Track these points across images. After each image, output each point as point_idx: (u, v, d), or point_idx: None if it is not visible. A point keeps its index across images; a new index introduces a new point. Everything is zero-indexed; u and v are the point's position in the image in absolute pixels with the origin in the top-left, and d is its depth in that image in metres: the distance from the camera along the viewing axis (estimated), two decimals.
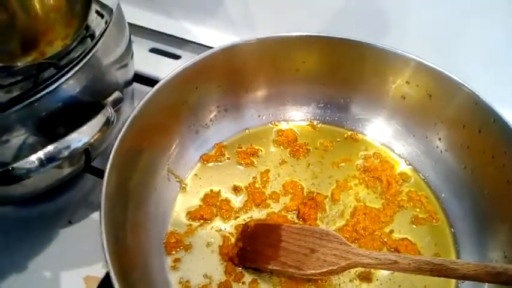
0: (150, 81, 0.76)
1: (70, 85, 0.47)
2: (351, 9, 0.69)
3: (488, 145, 0.53)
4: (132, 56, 0.63)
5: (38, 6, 0.43)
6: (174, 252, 0.53)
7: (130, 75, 0.63)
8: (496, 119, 0.51)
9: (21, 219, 0.59)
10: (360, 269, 0.51)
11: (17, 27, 0.38)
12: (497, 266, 0.39)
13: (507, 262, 0.48)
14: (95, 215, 0.59)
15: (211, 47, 0.74)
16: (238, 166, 0.62)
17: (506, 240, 0.50)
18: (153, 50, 0.82)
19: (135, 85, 0.65)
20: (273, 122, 0.66)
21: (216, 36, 0.78)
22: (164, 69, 0.77)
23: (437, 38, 0.65)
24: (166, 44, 0.81)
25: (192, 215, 0.56)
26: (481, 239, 0.53)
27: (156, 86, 0.52)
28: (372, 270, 0.52)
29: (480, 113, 0.53)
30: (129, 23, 0.58)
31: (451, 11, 0.63)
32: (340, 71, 0.62)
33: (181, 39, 0.80)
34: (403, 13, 0.66)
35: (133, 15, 0.68)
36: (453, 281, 0.51)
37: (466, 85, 0.54)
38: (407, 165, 0.62)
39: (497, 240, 0.51)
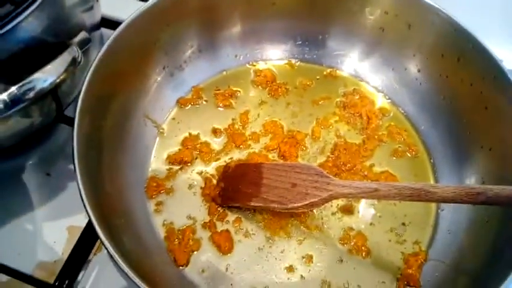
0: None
1: (31, 24, 0.44)
2: None
3: (467, 73, 0.53)
4: None
5: None
6: (156, 196, 0.52)
7: (97, 17, 0.60)
8: (475, 45, 0.50)
9: None
10: (341, 202, 0.52)
11: None
12: (476, 187, 0.40)
13: None
14: (72, 166, 0.58)
15: None
16: (217, 108, 0.60)
17: (484, 166, 0.51)
18: None
19: (105, 31, 0.62)
20: (250, 62, 0.64)
21: None
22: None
23: None
24: None
25: (171, 159, 0.55)
26: (459, 167, 0.54)
27: (123, 25, 0.50)
28: (353, 202, 0.52)
29: (459, 39, 0.52)
30: None
31: None
32: (318, 3, 0.59)
33: None
34: None
35: None
36: (433, 209, 0.53)
37: (445, 11, 0.52)
38: (387, 99, 0.61)
39: (475, 167, 0.52)
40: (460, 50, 0.52)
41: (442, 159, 0.55)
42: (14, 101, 0.39)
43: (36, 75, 0.40)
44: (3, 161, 0.58)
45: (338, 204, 0.52)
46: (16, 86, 0.39)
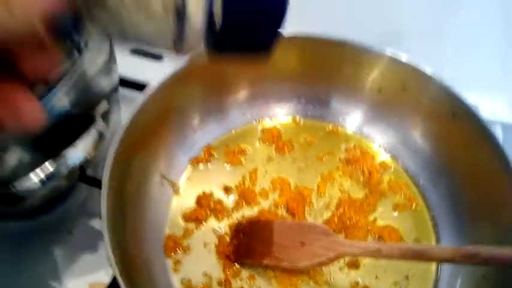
0: (133, 84, 0.76)
1: (59, 100, 0.48)
2: (332, 10, 0.71)
3: (461, 135, 0.57)
4: (115, 60, 0.64)
5: None
6: (173, 254, 0.55)
7: (115, 80, 0.63)
8: (466, 109, 0.55)
9: (23, 233, 0.60)
10: (348, 258, 0.55)
11: None
12: (471, 248, 0.43)
13: (482, 243, 0.52)
14: (94, 223, 0.61)
15: None
16: (227, 166, 0.64)
17: (480, 223, 0.54)
18: (135, 51, 0.82)
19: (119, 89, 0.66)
20: (257, 120, 0.68)
21: None
22: (147, 71, 0.78)
23: (411, 33, 0.68)
24: None
25: (187, 217, 0.58)
26: (458, 222, 0.57)
27: (145, 95, 0.54)
28: (359, 257, 0.55)
29: (452, 103, 0.56)
30: None
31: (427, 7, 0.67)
32: (319, 67, 0.64)
33: None
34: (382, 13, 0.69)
35: None
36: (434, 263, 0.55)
37: (438, 77, 0.57)
38: (387, 154, 0.65)
39: (472, 223, 0.55)
40: (452, 112, 0.57)
41: (442, 214, 0.59)
42: (49, 178, 0.43)
43: (69, 153, 0.44)
44: (28, 221, 0.61)
45: (345, 260, 0.55)
46: (52, 165, 0.43)
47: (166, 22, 0.22)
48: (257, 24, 0.24)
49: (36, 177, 0.43)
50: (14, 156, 0.46)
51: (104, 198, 0.46)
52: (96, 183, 0.63)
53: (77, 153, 0.45)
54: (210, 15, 0.22)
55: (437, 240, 0.57)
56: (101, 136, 0.48)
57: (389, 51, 0.60)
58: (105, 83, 0.59)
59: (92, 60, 0.54)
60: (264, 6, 0.23)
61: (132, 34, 0.23)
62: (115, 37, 0.25)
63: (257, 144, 0.67)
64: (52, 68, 0.23)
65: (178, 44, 0.23)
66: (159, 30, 0.23)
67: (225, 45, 0.24)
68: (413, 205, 0.60)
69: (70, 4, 0.21)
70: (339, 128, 0.68)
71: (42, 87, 0.46)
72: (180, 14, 0.22)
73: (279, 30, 0.24)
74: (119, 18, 0.22)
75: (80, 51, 0.48)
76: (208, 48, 0.24)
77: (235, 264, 0.54)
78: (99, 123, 0.49)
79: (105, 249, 0.44)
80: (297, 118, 0.69)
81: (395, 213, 0.60)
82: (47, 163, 0.44)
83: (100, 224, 0.59)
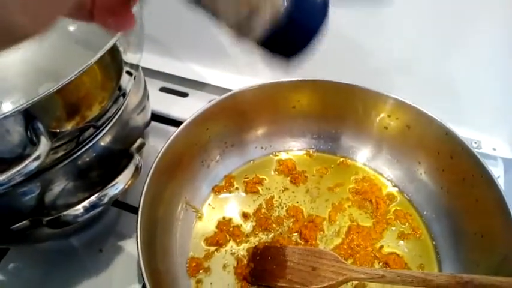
0: (162, 119, 0.84)
1: (104, 139, 0.55)
2: (341, 56, 0.78)
3: (459, 169, 0.62)
4: (148, 98, 0.71)
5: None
6: (196, 275, 0.61)
7: (148, 116, 0.71)
8: (464, 148, 0.60)
9: (57, 251, 0.67)
10: (355, 282, 0.60)
11: (62, 96, 0.46)
12: (465, 276, 0.48)
13: (478, 270, 0.56)
14: (122, 243, 0.68)
15: (215, 86, 0.84)
16: (246, 194, 0.70)
17: (477, 251, 0.58)
18: (163, 89, 0.91)
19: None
20: (274, 153, 0.75)
21: (219, 76, 0.87)
22: (174, 107, 0.86)
23: (414, 77, 0.75)
24: (175, 83, 0.91)
25: (209, 241, 0.64)
26: (457, 249, 0.61)
27: (175, 134, 0.61)
28: (366, 282, 0.60)
29: (450, 142, 0.62)
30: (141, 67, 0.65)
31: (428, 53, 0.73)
32: (330, 107, 0.71)
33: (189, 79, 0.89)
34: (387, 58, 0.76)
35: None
36: None
37: (438, 118, 0.63)
38: (393, 186, 0.71)
39: (471, 251, 0.59)
40: (451, 150, 0.62)
41: (443, 242, 0.63)
42: (92, 207, 0.50)
43: (111, 186, 0.51)
44: (63, 240, 0.68)
45: (352, 284, 0.60)
46: (95, 196, 0.50)
47: (245, 8, 0.26)
48: (304, 36, 0.29)
49: (81, 206, 0.49)
50: (61, 186, 0.53)
51: (139, 223, 0.52)
52: (125, 206, 0.71)
53: (117, 185, 0.52)
54: (278, 17, 0.26)
55: (440, 267, 0.62)
56: (137, 169, 0.54)
57: (395, 96, 0.67)
58: (140, 119, 0.66)
59: (131, 101, 0.62)
60: (314, 26, 0.29)
61: (215, 9, 0.27)
62: (198, 8, 0.27)
63: (273, 174, 0.73)
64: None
65: (241, 27, 0.27)
66: (236, 10, 0.26)
67: (273, 44, 0.29)
68: (418, 234, 0.65)
69: None
70: (348, 161, 0.74)
71: (91, 130, 0.54)
72: (259, 6, 0.26)
73: (310, 46, 0.30)
74: None
75: (124, 96, 0.56)
76: (256, 40, 0.28)
77: (253, 285, 0.60)
78: (136, 158, 0.56)
79: (138, 267, 0.50)
80: (310, 151, 0.76)
81: (401, 242, 0.64)
82: (92, 196, 0.50)
83: (129, 243, 0.66)
